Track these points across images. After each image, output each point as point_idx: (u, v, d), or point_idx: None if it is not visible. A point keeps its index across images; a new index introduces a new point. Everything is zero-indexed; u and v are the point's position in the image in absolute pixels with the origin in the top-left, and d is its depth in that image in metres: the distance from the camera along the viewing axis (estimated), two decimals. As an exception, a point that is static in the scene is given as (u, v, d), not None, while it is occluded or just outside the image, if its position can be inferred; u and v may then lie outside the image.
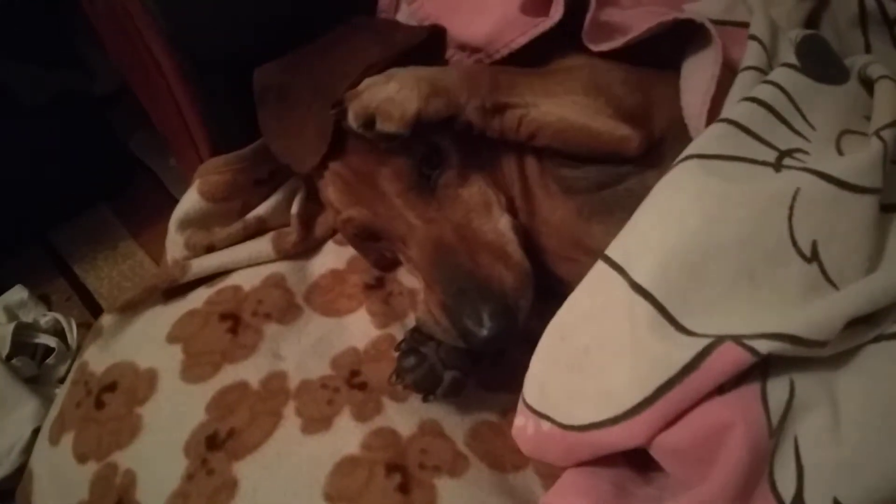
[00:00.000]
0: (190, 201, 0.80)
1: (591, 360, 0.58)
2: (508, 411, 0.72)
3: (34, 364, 1.21)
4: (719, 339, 0.51)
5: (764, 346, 0.50)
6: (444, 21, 0.76)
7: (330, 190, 0.73)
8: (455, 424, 0.71)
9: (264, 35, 0.76)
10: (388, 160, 0.68)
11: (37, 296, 1.33)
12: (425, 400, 0.70)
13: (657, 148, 0.68)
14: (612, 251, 0.59)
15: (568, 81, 0.68)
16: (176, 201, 1.46)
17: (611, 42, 0.69)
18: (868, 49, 0.77)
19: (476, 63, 0.69)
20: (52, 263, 1.39)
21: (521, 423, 0.63)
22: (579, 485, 0.60)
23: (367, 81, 0.64)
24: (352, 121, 0.63)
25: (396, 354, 0.70)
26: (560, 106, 0.66)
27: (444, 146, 0.68)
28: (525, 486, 0.68)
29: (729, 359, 0.51)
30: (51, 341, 1.23)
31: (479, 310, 0.62)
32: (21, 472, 1.03)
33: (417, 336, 0.70)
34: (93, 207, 1.47)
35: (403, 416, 0.71)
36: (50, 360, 1.21)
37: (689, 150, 0.60)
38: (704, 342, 0.52)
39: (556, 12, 0.70)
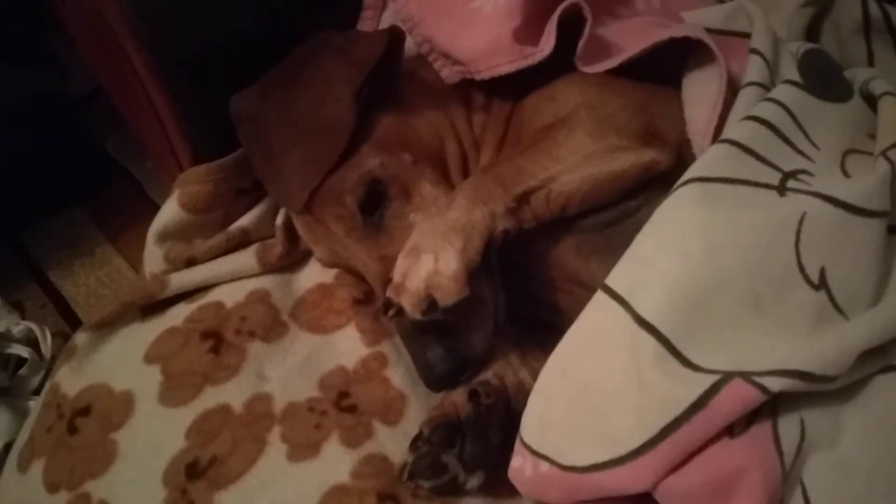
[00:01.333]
0: (169, 212, 0.76)
1: (593, 397, 0.54)
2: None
3: (5, 376, 1.16)
4: (727, 376, 0.49)
5: (775, 385, 0.48)
6: (429, 24, 0.73)
7: (298, 226, 0.74)
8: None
9: (239, 36, 0.73)
10: (329, 202, 0.67)
11: (9, 303, 1.28)
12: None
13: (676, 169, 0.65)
14: (614, 281, 0.56)
15: (570, 137, 0.65)
16: (155, 205, 1.42)
17: (604, 63, 0.67)
18: (871, 57, 0.75)
19: (475, 178, 0.66)
20: (25, 269, 1.34)
21: (519, 464, 0.59)
22: None
23: (398, 267, 0.60)
24: (414, 313, 0.58)
25: (410, 453, 0.65)
26: (576, 169, 0.63)
27: (383, 178, 0.67)
28: (523, 515, 0.66)
29: (738, 397, 0.48)
30: (23, 351, 1.18)
31: (425, 349, 0.61)
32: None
33: (437, 439, 0.64)
34: (68, 211, 1.43)
35: (395, 440, 0.67)
36: (23, 372, 1.16)
37: (691, 172, 0.58)
38: (712, 379, 0.49)
39: (547, 44, 0.68)
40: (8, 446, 1.02)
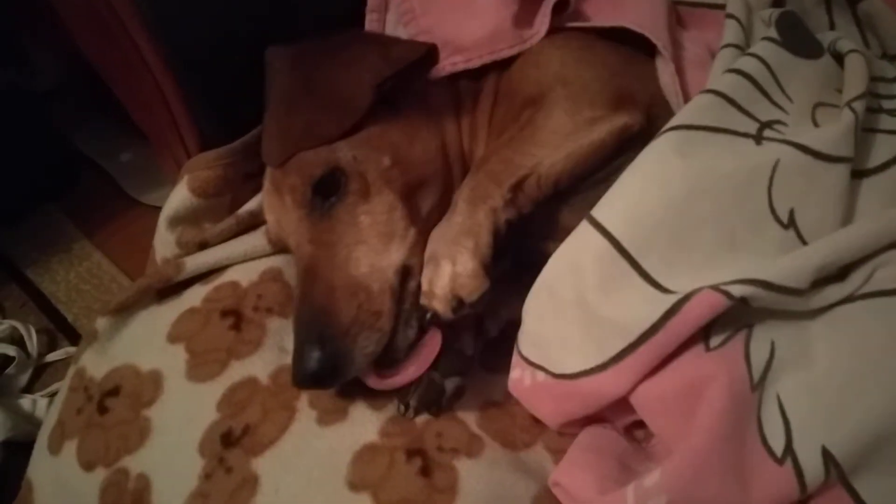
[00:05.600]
0: (180, 198, 0.79)
1: (577, 312, 0.61)
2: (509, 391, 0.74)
3: (-8, 375, 1.16)
4: (698, 289, 0.55)
5: (738, 290, 0.54)
6: (431, 15, 0.78)
7: (263, 193, 0.76)
8: (466, 407, 0.73)
9: (248, 23, 0.76)
10: (289, 174, 0.70)
11: (-12, 305, 1.27)
12: (436, 415, 0.71)
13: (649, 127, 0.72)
14: (598, 213, 0.62)
15: (549, 119, 0.70)
16: (131, 199, 1.43)
17: (575, 22, 0.75)
18: (832, 26, 0.83)
19: (471, 178, 0.70)
20: (1, 270, 1.33)
21: (518, 374, 0.66)
22: (584, 462, 0.63)
23: (424, 276, 0.66)
24: (447, 314, 0.64)
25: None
26: (557, 148, 0.68)
27: (348, 170, 0.69)
28: (537, 462, 0.70)
29: (706, 302, 0.54)
30: (9, 350, 1.18)
31: (303, 347, 0.64)
32: (-9, 486, 0.99)
33: None
34: (40, 209, 1.41)
35: (413, 401, 0.72)
36: (10, 370, 1.16)
37: (676, 119, 0.64)
38: (684, 293, 0.55)
39: (543, 26, 0.75)
40: (2, 444, 1.03)
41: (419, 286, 0.66)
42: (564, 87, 0.72)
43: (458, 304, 0.63)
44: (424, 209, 0.72)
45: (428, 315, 0.65)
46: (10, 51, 1.30)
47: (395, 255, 0.68)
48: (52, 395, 1.13)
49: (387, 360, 0.67)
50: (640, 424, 0.67)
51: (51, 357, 1.19)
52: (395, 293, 0.67)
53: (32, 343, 1.20)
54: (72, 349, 1.20)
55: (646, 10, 0.78)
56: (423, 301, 0.65)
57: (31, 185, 1.38)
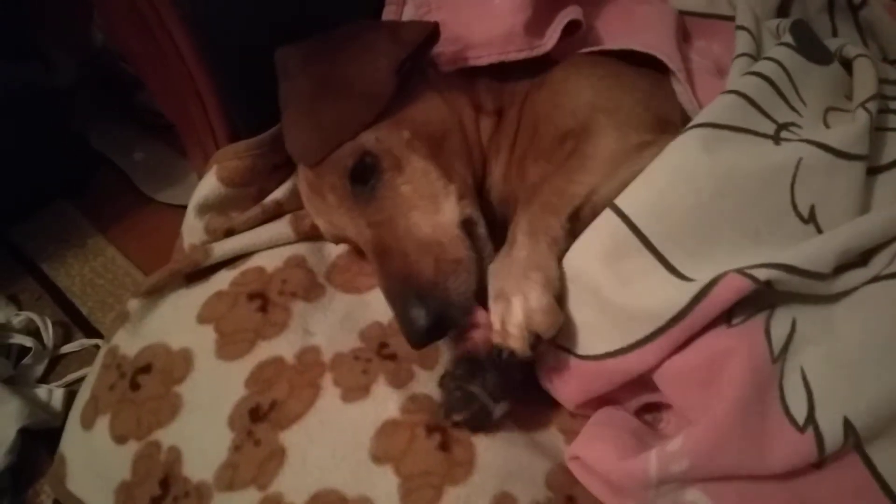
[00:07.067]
0: (209, 186, 0.82)
1: (602, 299, 0.63)
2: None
3: (9, 364, 1.18)
4: (724, 273, 0.58)
5: (763, 274, 0.57)
6: (447, 9, 0.82)
7: (305, 201, 0.79)
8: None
9: (280, 24, 0.79)
10: (324, 174, 0.73)
11: (5, 296, 1.30)
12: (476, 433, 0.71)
13: None
14: (623, 202, 0.64)
15: (598, 148, 0.72)
16: (143, 195, 1.46)
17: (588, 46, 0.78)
18: (835, 32, 0.88)
19: (524, 211, 0.70)
20: (18, 263, 1.36)
21: (542, 354, 0.68)
22: (602, 435, 0.66)
23: (494, 314, 0.65)
24: (525, 353, 0.63)
25: (440, 389, 0.71)
26: (612, 177, 0.69)
27: (376, 151, 0.72)
28: (551, 442, 0.73)
29: (732, 286, 0.57)
30: (26, 341, 1.20)
31: (406, 311, 0.66)
32: (10, 473, 1.02)
33: (461, 372, 0.69)
34: (56, 205, 1.44)
35: (434, 382, 0.74)
36: (26, 361, 1.19)
37: (702, 117, 0.67)
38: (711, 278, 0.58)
39: (551, 40, 0.78)
40: (21, 431, 1.06)
41: (486, 231, 0.69)
42: (607, 116, 0.73)
43: (536, 340, 0.63)
44: (457, 168, 0.75)
45: (504, 354, 0.63)
46: (30, 48, 1.31)
47: (449, 209, 0.71)
48: (68, 385, 1.16)
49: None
50: (650, 408, 0.71)
51: (66, 349, 1.22)
52: (464, 240, 0.69)
53: (48, 334, 1.22)
54: (87, 341, 1.23)
55: (656, 29, 0.81)
56: (497, 340, 0.64)
57: (48, 180, 1.41)
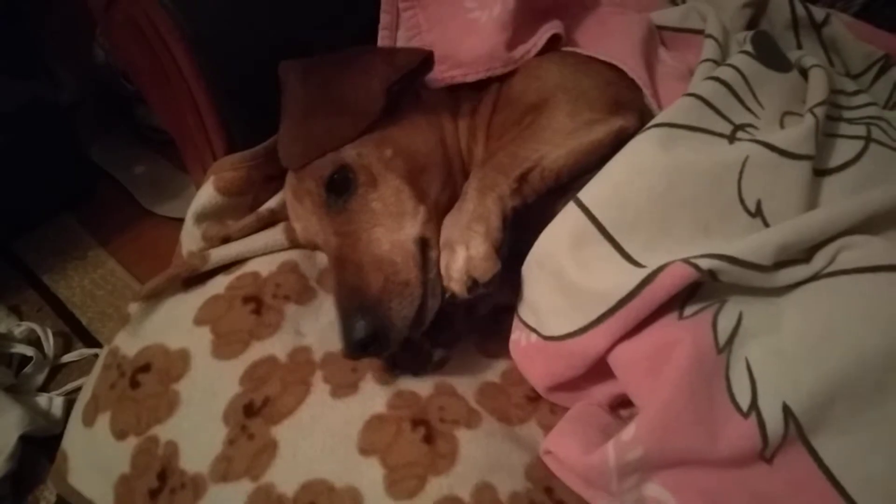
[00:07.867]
0: (206, 196, 0.86)
1: (562, 282, 0.68)
2: (506, 373, 0.81)
3: (11, 373, 1.21)
4: (671, 262, 0.62)
5: (706, 263, 0.61)
6: (435, 32, 0.87)
7: (288, 205, 0.84)
8: (465, 385, 0.79)
9: (277, 44, 0.84)
10: (304, 179, 0.78)
11: (7, 307, 1.33)
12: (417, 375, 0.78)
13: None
14: (584, 195, 0.69)
15: (552, 119, 0.78)
16: (143, 209, 1.50)
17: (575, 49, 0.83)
18: (799, 48, 0.93)
19: (479, 170, 0.77)
20: (19, 275, 1.39)
21: (517, 336, 0.74)
22: (570, 430, 0.70)
23: (441, 260, 0.73)
24: (463, 294, 0.71)
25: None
26: (560, 145, 0.76)
27: (354, 166, 0.76)
28: (530, 436, 0.76)
29: (677, 273, 0.61)
30: (27, 350, 1.24)
31: (347, 321, 0.70)
32: (10, 479, 1.05)
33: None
34: (57, 218, 1.48)
35: (420, 379, 0.78)
36: (28, 370, 1.22)
37: (660, 118, 0.72)
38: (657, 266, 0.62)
39: (535, 48, 0.84)
40: (22, 438, 1.09)
41: (439, 256, 0.73)
42: (565, 93, 0.80)
43: (473, 284, 0.70)
44: (431, 192, 0.79)
45: (446, 295, 0.72)
46: (35, 64, 1.36)
47: (410, 229, 0.75)
48: (68, 393, 1.19)
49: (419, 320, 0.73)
50: (626, 404, 0.74)
51: (66, 358, 1.26)
52: (417, 262, 0.73)
53: (49, 344, 1.26)
54: (87, 351, 1.26)
55: (622, 37, 0.87)
56: (445, 283, 0.71)
57: (52, 194, 1.45)
